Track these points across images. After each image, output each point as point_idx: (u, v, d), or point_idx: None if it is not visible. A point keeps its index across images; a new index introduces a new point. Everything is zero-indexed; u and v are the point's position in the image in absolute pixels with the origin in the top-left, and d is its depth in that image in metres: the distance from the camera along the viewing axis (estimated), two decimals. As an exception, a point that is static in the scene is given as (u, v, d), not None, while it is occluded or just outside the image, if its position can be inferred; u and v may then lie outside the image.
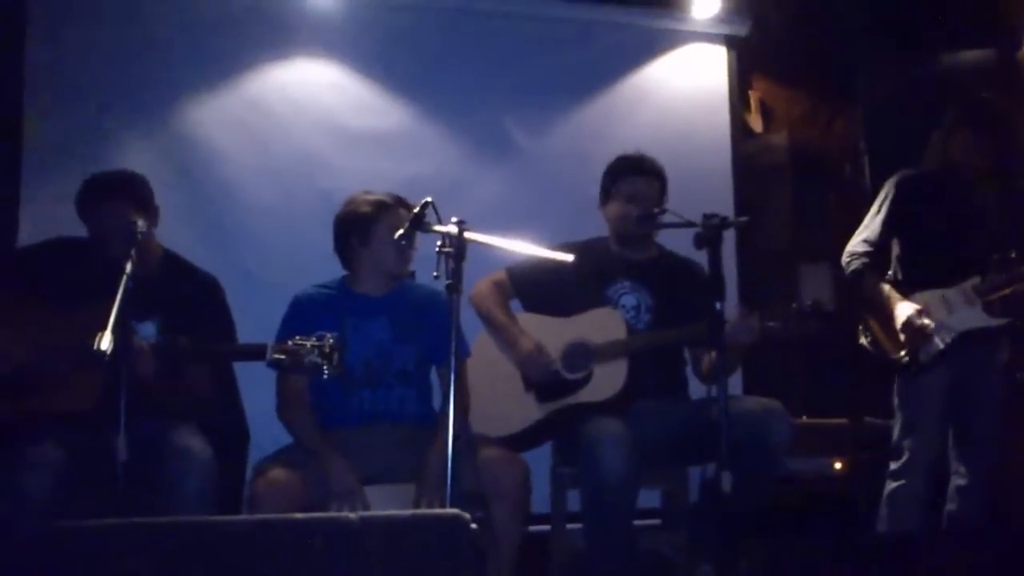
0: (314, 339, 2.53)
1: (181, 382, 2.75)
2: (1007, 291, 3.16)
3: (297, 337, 2.54)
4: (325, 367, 2.51)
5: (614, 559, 2.81)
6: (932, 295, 3.23)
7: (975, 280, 3.19)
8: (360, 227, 2.91)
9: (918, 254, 3.35)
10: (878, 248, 3.36)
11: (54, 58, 3.77)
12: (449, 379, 2.41)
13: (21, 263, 3.02)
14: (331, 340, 2.52)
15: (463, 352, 2.90)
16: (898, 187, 3.37)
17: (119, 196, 2.80)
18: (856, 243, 3.40)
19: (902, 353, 3.23)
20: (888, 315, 3.25)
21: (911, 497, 3.23)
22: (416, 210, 2.56)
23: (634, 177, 3.15)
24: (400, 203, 2.92)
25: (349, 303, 2.92)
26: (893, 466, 3.27)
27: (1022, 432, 3.55)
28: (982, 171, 3.31)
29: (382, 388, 2.89)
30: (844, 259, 3.41)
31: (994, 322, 3.18)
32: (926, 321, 3.16)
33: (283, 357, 2.53)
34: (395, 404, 2.89)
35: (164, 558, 1.70)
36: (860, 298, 3.37)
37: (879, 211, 3.38)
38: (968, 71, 4.52)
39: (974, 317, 3.19)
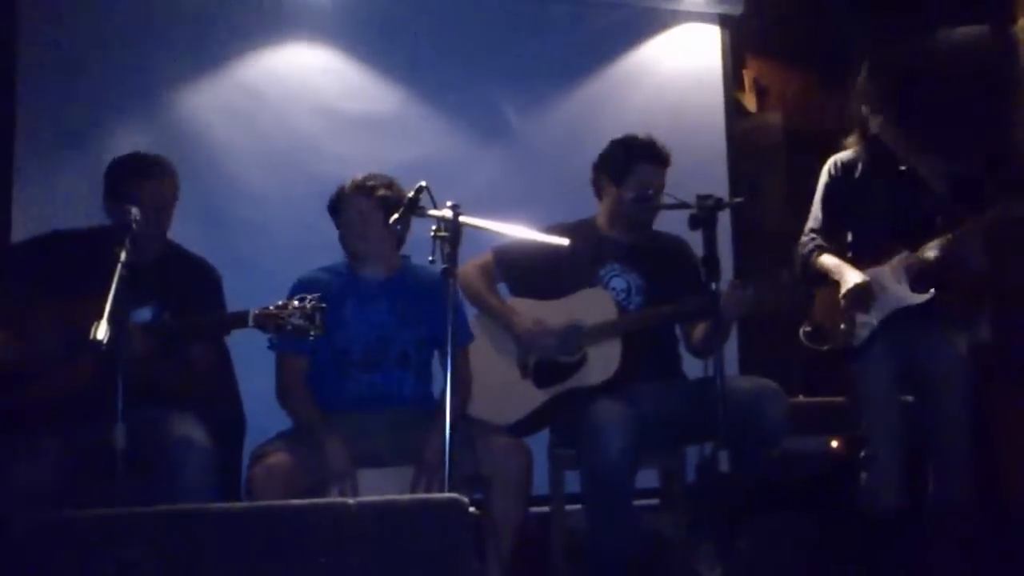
0: (295, 301, 2.52)
1: (181, 366, 2.75)
2: (929, 263, 3.11)
3: (279, 301, 2.54)
4: (311, 329, 2.50)
5: (615, 538, 2.82)
6: (867, 275, 3.19)
7: (903, 255, 3.16)
8: (332, 214, 2.98)
9: (855, 234, 3.32)
10: (824, 231, 3.36)
11: (46, 49, 3.74)
12: (447, 362, 2.41)
13: (15, 258, 3.00)
14: (312, 300, 2.51)
15: (464, 337, 2.91)
16: (829, 171, 3.40)
17: (164, 175, 2.84)
18: (805, 232, 3.41)
19: (839, 336, 3.22)
20: (836, 286, 3.22)
21: (882, 480, 3.18)
22: (411, 195, 2.56)
23: (654, 167, 3.14)
24: (359, 188, 2.93)
25: (351, 286, 2.95)
26: (863, 453, 3.26)
27: (1003, 410, 3.55)
28: (904, 143, 3.27)
29: (380, 371, 2.90)
30: (798, 251, 3.40)
31: (918, 299, 3.13)
32: (868, 293, 3.13)
33: (266, 321, 2.51)
34: (393, 387, 2.90)
35: (163, 547, 1.71)
36: (814, 277, 3.33)
37: (817, 196, 3.41)
38: (963, 46, 4.51)
39: (901, 296, 3.15)
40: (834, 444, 3.77)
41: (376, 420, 2.83)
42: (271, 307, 2.53)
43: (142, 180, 2.80)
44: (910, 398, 3.29)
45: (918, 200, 3.22)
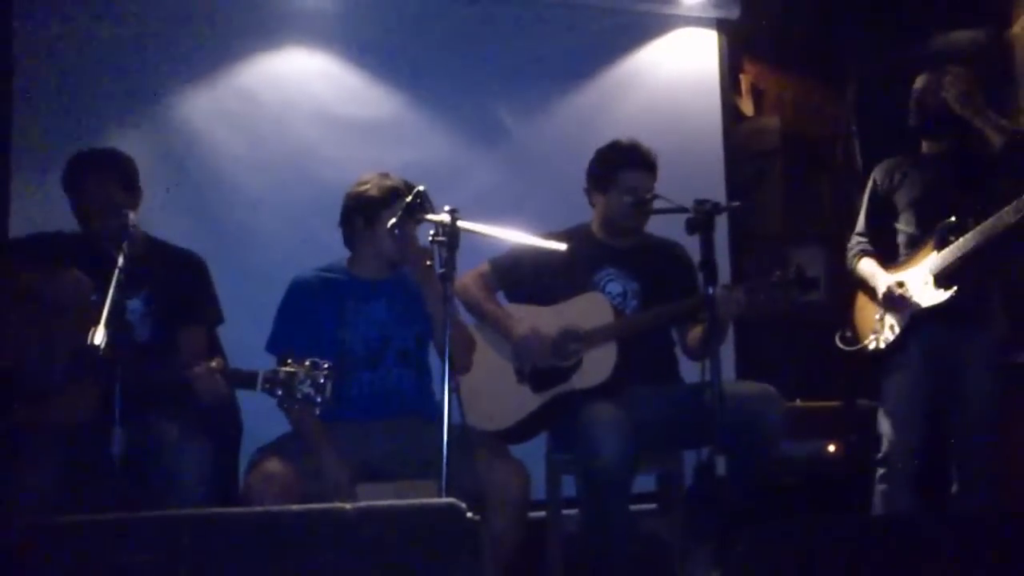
0: (308, 365, 2.51)
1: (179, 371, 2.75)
2: (952, 263, 3.09)
3: (289, 362, 2.53)
4: (319, 399, 2.49)
5: (611, 543, 2.82)
6: (900, 277, 3.21)
7: (931, 256, 3.16)
8: (367, 210, 2.92)
9: (900, 237, 3.34)
10: (869, 237, 3.41)
11: (43, 50, 3.73)
12: (444, 368, 2.41)
13: (11, 257, 3.00)
14: (326, 369, 2.50)
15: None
16: (875, 176, 3.44)
17: (103, 170, 2.82)
18: (852, 236, 3.46)
19: (869, 339, 3.24)
20: (872, 293, 3.27)
21: (899, 483, 3.18)
22: (408, 199, 2.56)
23: (638, 172, 3.14)
24: (408, 187, 2.92)
25: (350, 286, 2.95)
26: (879, 455, 3.25)
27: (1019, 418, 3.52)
28: (947, 146, 3.29)
29: (382, 368, 2.90)
30: (847, 254, 3.45)
31: (937, 299, 3.11)
32: (903, 292, 3.15)
33: (274, 386, 2.50)
34: (394, 384, 2.90)
35: (162, 552, 1.71)
36: (857, 281, 3.37)
37: (864, 202, 3.45)
38: (959, 51, 4.51)
39: (926, 296, 3.14)
40: (831, 448, 3.78)
41: (377, 429, 2.82)
42: (281, 373, 2.52)
43: (77, 179, 2.82)
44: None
45: (955, 200, 3.20)
